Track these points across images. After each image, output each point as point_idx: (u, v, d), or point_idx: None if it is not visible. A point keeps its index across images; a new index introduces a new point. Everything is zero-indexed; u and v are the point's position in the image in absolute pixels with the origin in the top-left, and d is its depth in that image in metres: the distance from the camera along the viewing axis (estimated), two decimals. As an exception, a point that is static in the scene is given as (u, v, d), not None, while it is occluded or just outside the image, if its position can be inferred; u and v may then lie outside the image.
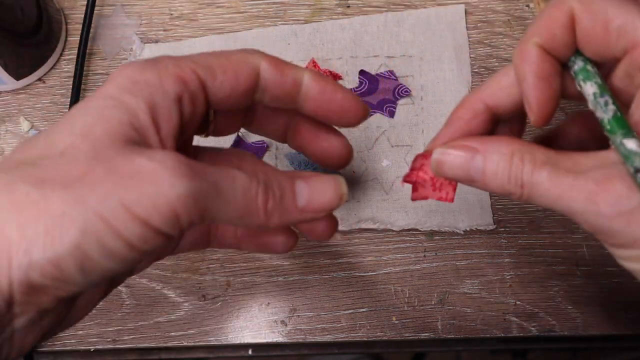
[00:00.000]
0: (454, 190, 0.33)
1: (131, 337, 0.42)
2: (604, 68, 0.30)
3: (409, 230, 0.43)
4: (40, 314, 0.24)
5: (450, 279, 0.42)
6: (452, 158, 0.31)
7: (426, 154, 0.33)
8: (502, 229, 0.43)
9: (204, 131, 0.32)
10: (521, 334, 0.42)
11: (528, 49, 0.29)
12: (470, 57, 0.46)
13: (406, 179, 0.34)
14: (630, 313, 0.42)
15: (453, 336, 0.42)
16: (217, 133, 0.33)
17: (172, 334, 0.42)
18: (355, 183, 0.43)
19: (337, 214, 0.42)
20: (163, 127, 0.26)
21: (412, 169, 0.34)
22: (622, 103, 0.29)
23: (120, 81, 0.26)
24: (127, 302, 0.43)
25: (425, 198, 0.34)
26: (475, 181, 0.31)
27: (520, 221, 0.43)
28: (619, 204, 0.26)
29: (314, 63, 0.45)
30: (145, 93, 0.26)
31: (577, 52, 0.30)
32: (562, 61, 0.30)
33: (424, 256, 0.43)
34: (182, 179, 0.23)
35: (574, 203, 0.27)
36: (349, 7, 0.47)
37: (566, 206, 0.27)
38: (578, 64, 0.30)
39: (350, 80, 0.45)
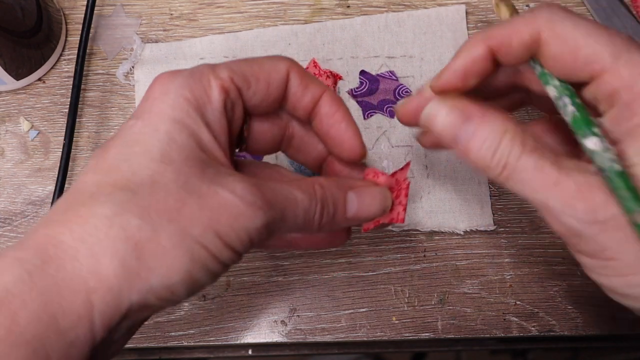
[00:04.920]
0: (404, 210, 0.34)
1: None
2: (573, 86, 0.30)
3: (408, 230, 0.43)
4: (134, 326, 0.28)
5: (450, 279, 0.42)
6: (445, 116, 0.31)
7: (376, 170, 0.34)
8: (502, 229, 0.43)
9: (239, 145, 0.33)
10: (521, 334, 0.42)
11: (476, 43, 0.30)
12: (471, 57, 0.46)
13: None
14: (630, 313, 0.42)
15: (453, 336, 0.42)
16: (255, 151, 0.35)
17: (172, 334, 0.42)
18: (356, 183, 0.43)
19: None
20: (220, 140, 0.29)
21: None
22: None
23: (174, 100, 0.28)
24: (127, 302, 0.43)
25: (377, 223, 0.34)
26: (458, 146, 0.31)
27: (520, 221, 0.43)
28: (596, 212, 0.27)
29: (314, 63, 0.45)
30: (199, 111, 0.28)
31: (533, 58, 0.30)
32: (505, 64, 0.31)
33: (424, 256, 0.43)
34: (258, 213, 0.27)
35: (552, 200, 0.28)
36: (349, 7, 0.47)
37: (543, 200, 0.28)
38: (537, 69, 0.30)
39: (351, 81, 0.45)
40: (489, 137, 0.29)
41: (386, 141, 0.44)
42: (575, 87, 0.30)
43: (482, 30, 0.30)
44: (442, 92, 0.31)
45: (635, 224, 0.26)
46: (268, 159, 0.44)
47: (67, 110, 0.44)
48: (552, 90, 0.30)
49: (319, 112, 0.33)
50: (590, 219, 0.27)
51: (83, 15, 0.44)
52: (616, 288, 0.28)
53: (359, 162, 0.34)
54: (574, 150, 0.32)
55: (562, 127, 0.33)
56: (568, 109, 0.29)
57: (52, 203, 0.41)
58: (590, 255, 0.28)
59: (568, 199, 0.27)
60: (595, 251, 0.27)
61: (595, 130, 0.28)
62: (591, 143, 0.27)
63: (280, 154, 0.44)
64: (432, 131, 0.32)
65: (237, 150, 0.33)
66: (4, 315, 0.23)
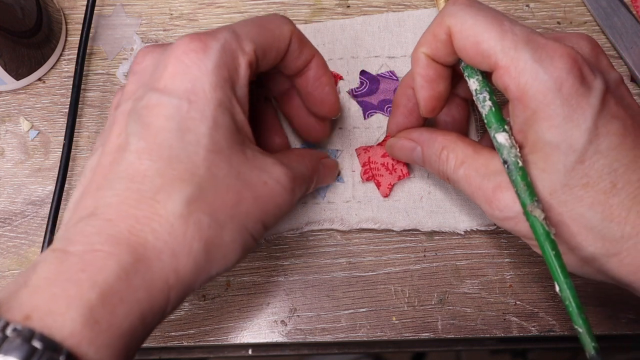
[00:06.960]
0: (406, 165, 0.40)
1: (131, 337, 0.42)
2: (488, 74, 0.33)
3: (409, 230, 0.43)
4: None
5: (450, 279, 0.42)
6: (399, 147, 0.38)
7: (366, 147, 0.41)
8: (502, 229, 0.43)
9: None
10: (521, 334, 0.42)
11: (418, 56, 0.34)
12: (471, 57, 0.46)
13: (366, 177, 0.41)
14: (630, 313, 0.42)
15: (453, 336, 0.42)
16: None
17: (172, 334, 0.42)
18: (356, 183, 0.43)
19: (337, 214, 0.42)
20: (247, 114, 0.31)
21: (364, 165, 0.40)
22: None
23: (216, 80, 0.29)
24: (127, 302, 0.43)
25: (391, 186, 0.41)
26: (420, 165, 0.38)
27: (520, 221, 0.43)
28: (506, 211, 0.31)
29: (314, 63, 0.45)
30: (233, 90, 0.30)
31: None
32: (451, 65, 0.34)
33: (424, 256, 0.43)
34: (293, 198, 0.32)
35: (479, 202, 0.33)
36: (349, 7, 0.47)
37: (477, 203, 0.33)
38: (462, 63, 0.33)
39: (351, 81, 0.45)
40: (432, 158, 0.35)
41: (386, 141, 0.44)
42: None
43: (419, 45, 0.34)
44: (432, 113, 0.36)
45: (528, 215, 0.30)
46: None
47: (67, 110, 0.44)
48: (474, 83, 0.33)
49: (306, 73, 0.35)
50: (504, 216, 0.31)
51: (83, 15, 0.44)
52: None
53: (330, 117, 0.39)
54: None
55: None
56: (486, 104, 0.32)
57: (52, 203, 0.41)
58: (524, 237, 0.32)
59: (488, 200, 0.32)
60: (525, 238, 0.32)
61: (506, 127, 0.31)
62: (502, 137, 0.31)
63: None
64: (399, 160, 0.40)
65: None
66: (107, 310, 0.25)
